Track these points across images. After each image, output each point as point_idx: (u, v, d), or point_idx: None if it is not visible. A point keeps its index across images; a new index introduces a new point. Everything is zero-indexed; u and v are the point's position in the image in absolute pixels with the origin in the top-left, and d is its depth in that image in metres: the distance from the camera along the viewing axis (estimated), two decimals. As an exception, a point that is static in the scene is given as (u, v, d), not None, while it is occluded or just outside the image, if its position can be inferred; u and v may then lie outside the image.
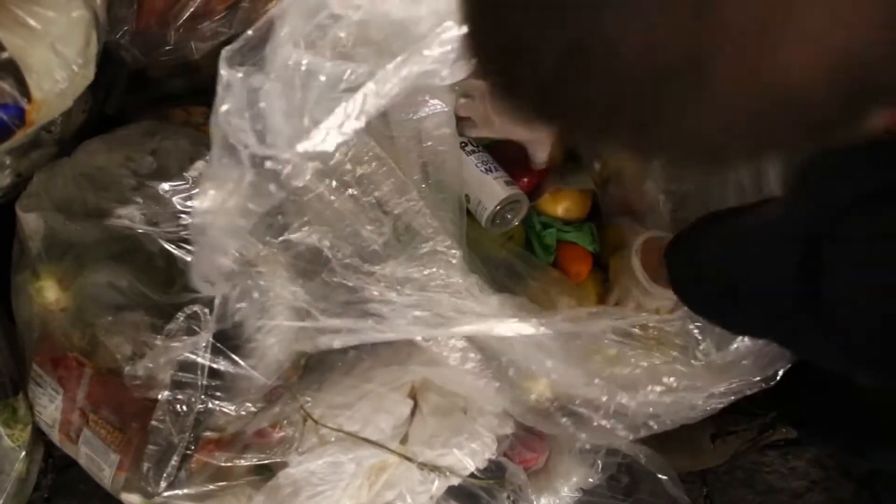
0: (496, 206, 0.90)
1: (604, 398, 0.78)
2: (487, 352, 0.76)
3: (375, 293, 0.71)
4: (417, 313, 0.71)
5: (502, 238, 0.95)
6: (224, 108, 0.63)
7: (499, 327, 0.73)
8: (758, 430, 1.01)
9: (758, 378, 0.79)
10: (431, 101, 0.83)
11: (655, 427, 0.81)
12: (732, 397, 0.80)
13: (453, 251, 0.73)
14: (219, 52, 0.93)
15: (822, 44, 0.26)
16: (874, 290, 0.48)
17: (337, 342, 0.71)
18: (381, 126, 0.83)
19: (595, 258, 1.01)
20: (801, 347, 0.61)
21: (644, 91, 0.28)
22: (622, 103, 0.29)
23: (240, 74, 0.64)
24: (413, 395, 0.78)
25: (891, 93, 0.29)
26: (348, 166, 0.76)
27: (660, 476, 0.89)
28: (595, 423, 0.80)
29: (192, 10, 0.88)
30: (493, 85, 0.33)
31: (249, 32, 0.65)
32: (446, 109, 0.84)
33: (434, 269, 0.73)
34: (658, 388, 0.79)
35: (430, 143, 0.85)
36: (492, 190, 0.91)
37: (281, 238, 0.73)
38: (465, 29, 0.31)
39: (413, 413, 0.77)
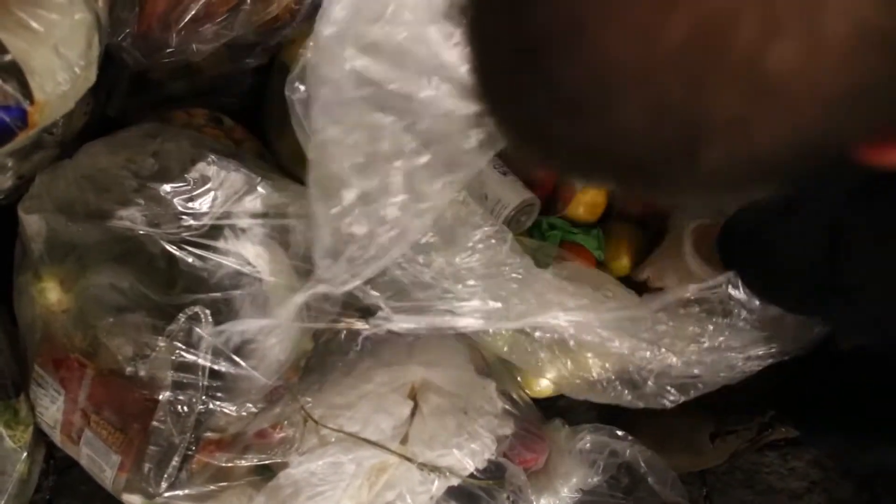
0: (516, 207, 0.91)
1: (652, 363, 0.81)
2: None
3: (436, 284, 0.72)
4: (477, 303, 0.73)
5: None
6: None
7: (557, 317, 0.76)
8: (757, 430, 1.01)
9: (794, 346, 0.82)
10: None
11: (701, 388, 0.84)
12: (770, 360, 0.82)
13: (505, 233, 0.74)
14: (220, 54, 0.94)
15: (790, 129, 0.29)
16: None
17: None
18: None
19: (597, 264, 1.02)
20: (839, 323, 0.69)
21: (653, 163, 0.32)
22: (637, 168, 0.33)
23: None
24: (413, 396, 0.79)
25: (845, 147, 0.32)
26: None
27: (660, 476, 0.89)
28: (647, 388, 0.83)
29: (193, 12, 0.88)
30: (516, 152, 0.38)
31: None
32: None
33: (491, 254, 0.74)
34: (702, 347, 0.81)
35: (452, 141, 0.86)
36: (513, 190, 0.92)
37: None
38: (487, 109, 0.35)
39: (413, 413, 0.78)
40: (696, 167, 0.31)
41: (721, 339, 0.79)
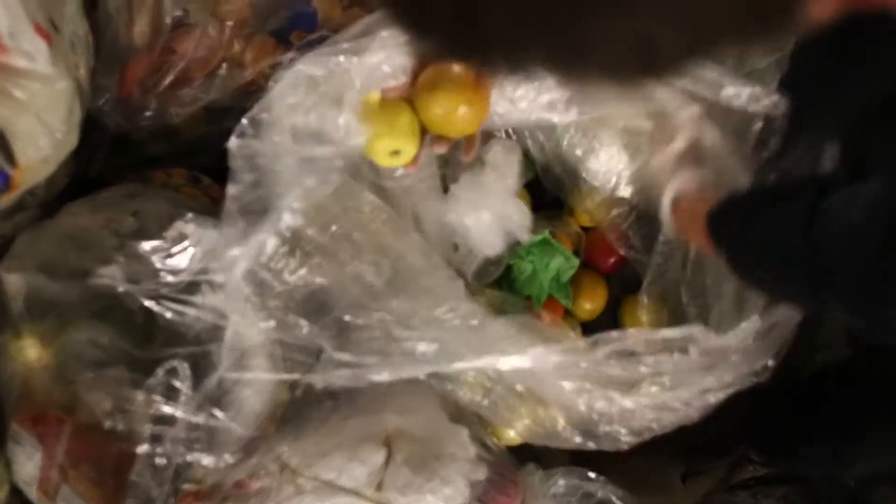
0: (485, 258, 0.95)
1: (606, 405, 0.83)
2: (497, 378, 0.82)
3: (378, 332, 0.75)
4: (423, 348, 0.75)
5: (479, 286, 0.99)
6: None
7: (503, 360, 0.78)
8: (727, 470, 1.03)
9: (747, 372, 0.83)
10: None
11: (656, 428, 0.85)
12: (721, 393, 0.83)
13: (457, 281, 0.77)
14: (198, 117, 0.98)
15: None
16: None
17: (344, 379, 0.75)
18: (372, 176, 0.88)
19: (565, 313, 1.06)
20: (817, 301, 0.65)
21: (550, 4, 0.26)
22: (534, 18, 0.27)
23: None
24: (387, 444, 0.80)
25: None
26: (346, 214, 0.81)
27: (632, 517, 0.91)
28: (601, 431, 0.85)
29: (171, 77, 0.92)
30: (407, 34, 0.33)
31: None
32: (433, 168, 0.90)
33: (438, 300, 0.77)
34: (654, 388, 0.83)
35: (418, 196, 0.90)
36: (486, 241, 0.96)
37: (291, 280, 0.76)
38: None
39: (387, 461, 0.79)
40: None
41: (672, 377, 0.82)
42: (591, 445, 0.85)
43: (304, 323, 0.75)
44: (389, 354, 0.74)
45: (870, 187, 0.58)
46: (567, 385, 0.81)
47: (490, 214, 0.95)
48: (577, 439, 0.85)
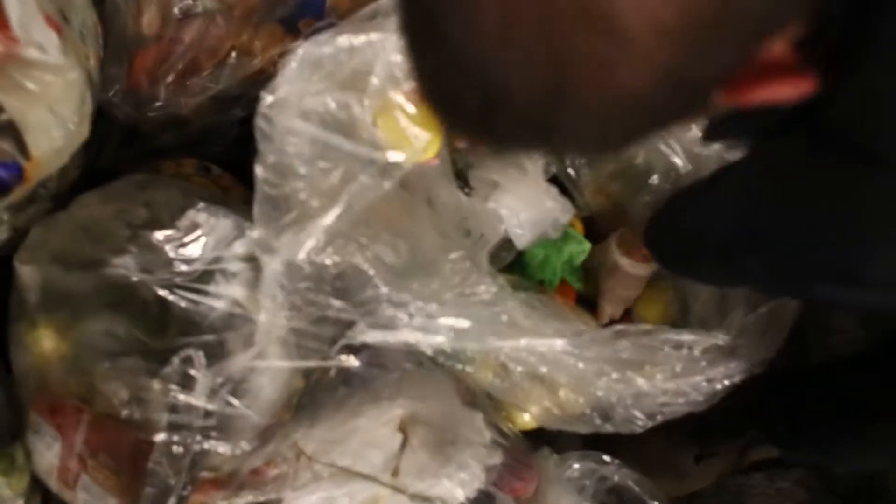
0: (497, 242, 0.94)
1: (622, 387, 0.85)
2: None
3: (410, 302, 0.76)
4: (448, 321, 0.76)
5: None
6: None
7: (532, 342, 0.80)
8: (739, 451, 1.03)
9: (749, 364, 0.86)
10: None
11: (666, 413, 0.87)
12: (727, 381, 0.85)
13: (480, 258, 0.79)
14: (207, 106, 0.98)
15: (654, 63, 0.34)
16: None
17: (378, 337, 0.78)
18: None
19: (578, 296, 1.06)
20: (753, 283, 0.73)
21: (535, 117, 0.37)
22: (528, 129, 0.38)
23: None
24: (402, 429, 0.81)
25: (712, 82, 0.37)
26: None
27: (648, 497, 0.91)
28: (617, 415, 0.87)
29: (180, 67, 0.92)
30: (446, 125, 0.43)
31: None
32: (442, 152, 0.90)
33: (460, 278, 0.78)
34: (666, 372, 0.85)
35: (430, 180, 0.90)
36: (495, 226, 0.96)
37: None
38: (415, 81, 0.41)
39: (403, 446, 0.80)
40: (568, 109, 0.35)
41: (682, 364, 0.82)
42: (609, 428, 0.86)
43: (335, 302, 0.76)
44: (415, 329, 0.75)
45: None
46: (587, 368, 0.81)
47: (527, 201, 0.94)
48: (597, 422, 0.86)
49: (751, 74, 0.37)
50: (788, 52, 0.39)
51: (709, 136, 0.71)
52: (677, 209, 0.81)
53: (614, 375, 0.83)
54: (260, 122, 0.76)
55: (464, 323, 0.75)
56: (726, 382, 0.87)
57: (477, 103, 0.36)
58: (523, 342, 0.78)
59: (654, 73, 0.34)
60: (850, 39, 0.42)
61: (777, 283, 0.66)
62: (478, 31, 0.34)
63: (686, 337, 0.85)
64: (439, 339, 0.76)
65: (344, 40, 0.75)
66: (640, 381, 0.83)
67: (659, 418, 0.87)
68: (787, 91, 0.39)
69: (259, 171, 0.75)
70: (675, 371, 0.82)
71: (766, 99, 0.39)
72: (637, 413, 0.87)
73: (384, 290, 0.74)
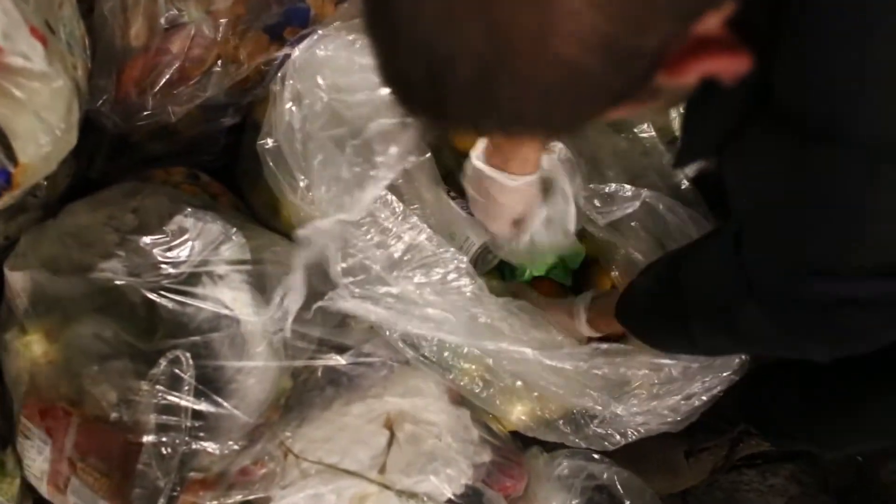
0: (482, 245, 0.95)
1: (598, 408, 0.84)
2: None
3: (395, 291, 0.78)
4: (430, 311, 0.78)
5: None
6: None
7: (504, 346, 0.81)
8: (729, 445, 1.03)
9: (727, 373, 0.86)
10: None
11: (643, 431, 0.88)
12: (705, 397, 0.86)
13: (461, 258, 0.80)
14: (195, 115, 1.00)
15: (586, 31, 0.35)
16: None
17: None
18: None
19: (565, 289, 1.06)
20: (755, 340, 0.68)
21: (479, 90, 0.38)
22: (473, 104, 0.39)
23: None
24: (389, 426, 0.81)
25: (648, 55, 0.37)
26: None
27: (637, 495, 0.91)
28: (590, 431, 0.88)
29: (167, 77, 0.94)
30: (403, 108, 0.43)
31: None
32: (428, 156, 0.91)
33: (445, 273, 0.80)
34: (643, 394, 0.85)
35: (416, 184, 0.91)
36: (480, 230, 0.97)
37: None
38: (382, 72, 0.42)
39: (390, 443, 0.80)
40: (507, 80, 0.36)
41: (660, 385, 0.83)
42: (582, 444, 0.87)
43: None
44: (399, 311, 0.77)
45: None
46: (563, 383, 0.82)
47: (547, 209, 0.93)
48: (571, 437, 0.88)
49: (687, 50, 0.38)
50: (722, 28, 0.40)
51: (679, 161, 0.71)
52: (663, 278, 0.77)
53: (591, 394, 0.84)
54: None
55: (443, 315, 0.76)
56: (704, 398, 0.87)
57: (424, 80, 0.38)
58: (500, 346, 0.79)
59: (586, 41, 0.35)
60: (777, 16, 0.43)
61: (778, 327, 0.62)
62: (421, 10, 0.36)
63: (664, 360, 0.85)
64: (415, 326, 0.76)
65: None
66: (617, 407, 0.83)
67: (632, 437, 0.87)
68: (723, 64, 0.39)
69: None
70: (653, 393, 0.83)
71: (704, 72, 0.40)
72: (611, 431, 0.88)
73: (376, 267, 0.75)
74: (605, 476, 0.95)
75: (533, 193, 0.88)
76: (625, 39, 0.35)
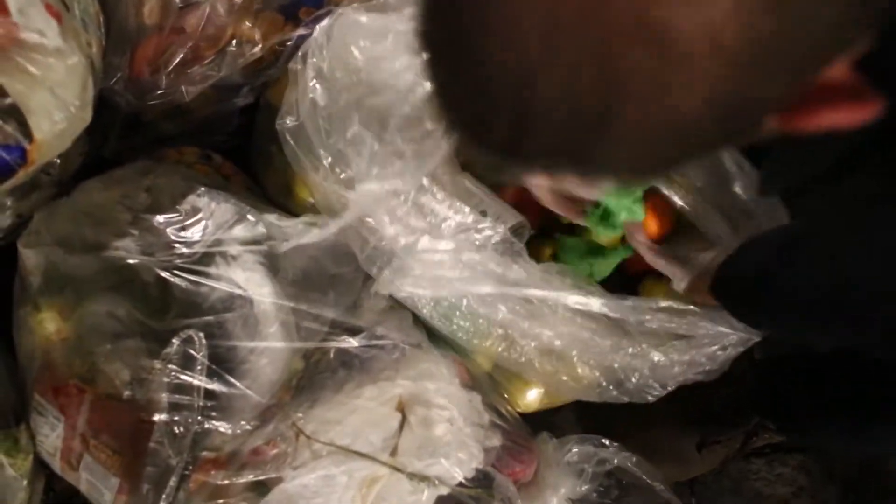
0: (512, 226, 0.94)
1: (638, 360, 0.84)
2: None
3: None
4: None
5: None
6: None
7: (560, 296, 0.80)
8: (743, 439, 1.03)
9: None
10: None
11: (681, 380, 0.86)
12: (741, 347, 0.84)
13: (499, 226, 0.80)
14: (208, 95, 0.99)
15: (710, 83, 0.31)
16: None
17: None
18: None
19: None
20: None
21: (574, 137, 0.34)
22: (560, 153, 0.36)
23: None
24: (401, 409, 0.81)
25: (766, 106, 0.35)
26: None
27: (649, 482, 0.91)
28: (631, 384, 0.86)
29: (181, 56, 0.93)
30: (463, 143, 0.39)
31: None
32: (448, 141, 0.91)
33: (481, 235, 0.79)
34: (681, 343, 0.84)
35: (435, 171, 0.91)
36: (508, 210, 0.96)
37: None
38: (438, 105, 0.38)
39: (401, 426, 0.80)
40: (612, 132, 0.33)
41: (697, 333, 0.82)
42: (624, 398, 0.85)
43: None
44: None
45: None
46: (603, 342, 0.81)
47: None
48: (612, 392, 0.86)
49: (808, 99, 0.35)
50: (849, 73, 0.35)
51: (764, 188, 0.66)
52: (762, 261, 0.73)
53: (630, 350, 0.83)
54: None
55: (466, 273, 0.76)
56: (741, 348, 0.85)
57: (508, 127, 0.34)
58: (557, 294, 0.78)
59: (708, 93, 0.31)
60: None
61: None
62: (517, 53, 0.32)
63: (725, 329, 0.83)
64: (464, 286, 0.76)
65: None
66: (656, 355, 0.82)
67: (671, 386, 0.86)
68: (846, 117, 0.35)
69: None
70: (691, 343, 0.82)
71: (823, 125, 0.36)
72: (651, 382, 0.86)
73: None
74: (615, 461, 0.95)
75: None
76: (746, 92, 0.32)
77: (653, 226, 0.93)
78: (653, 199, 0.91)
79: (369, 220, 0.79)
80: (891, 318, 0.57)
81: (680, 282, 0.85)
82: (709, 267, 0.82)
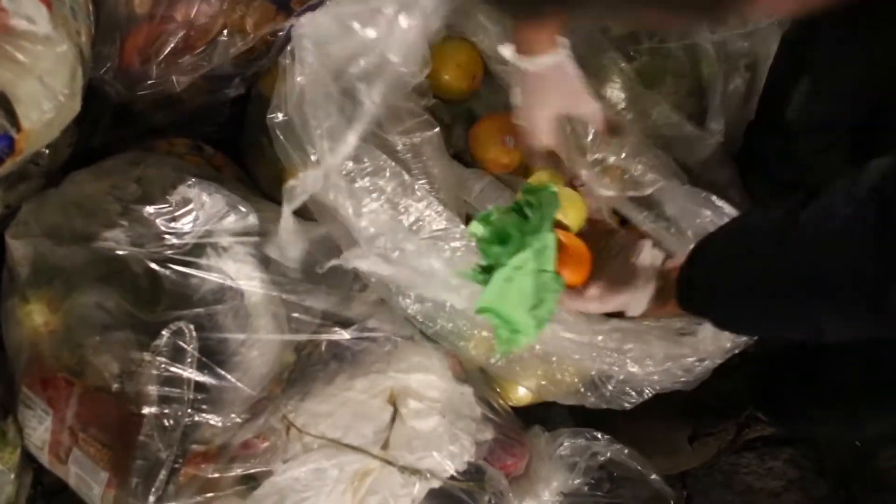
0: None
1: (615, 368, 0.84)
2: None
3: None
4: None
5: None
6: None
7: None
8: (735, 431, 1.03)
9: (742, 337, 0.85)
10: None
11: (658, 388, 0.87)
12: (719, 359, 0.84)
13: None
14: (199, 86, 0.98)
15: None
16: None
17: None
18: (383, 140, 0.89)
19: None
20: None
21: None
22: None
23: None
24: (393, 402, 0.81)
25: None
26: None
27: (641, 473, 0.91)
28: (608, 392, 0.87)
29: (172, 45, 0.92)
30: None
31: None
32: (436, 130, 0.90)
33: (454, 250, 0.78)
34: (659, 356, 0.84)
35: (424, 158, 0.91)
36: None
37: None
38: None
39: (393, 419, 0.80)
40: None
41: (677, 348, 0.83)
42: (602, 405, 0.86)
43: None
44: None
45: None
46: (581, 349, 0.82)
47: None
48: (590, 398, 0.87)
49: None
50: None
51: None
52: (724, 253, 0.69)
53: (608, 359, 0.83)
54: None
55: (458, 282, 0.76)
56: (718, 360, 0.86)
57: None
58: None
59: None
60: None
61: None
62: None
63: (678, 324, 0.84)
64: (431, 291, 0.76)
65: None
66: (633, 367, 0.82)
67: (647, 394, 0.87)
68: None
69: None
70: (668, 354, 0.82)
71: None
72: (628, 389, 0.88)
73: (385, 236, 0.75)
74: (607, 454, 0.95)
75: (563, 82, 0.85)
76: None
77: (574, 275, 0.88)
78: (562, 252, 0.84)
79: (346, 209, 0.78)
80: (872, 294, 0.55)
81: (635, 311, 0.80)
82: (666, 278, 0.77)
